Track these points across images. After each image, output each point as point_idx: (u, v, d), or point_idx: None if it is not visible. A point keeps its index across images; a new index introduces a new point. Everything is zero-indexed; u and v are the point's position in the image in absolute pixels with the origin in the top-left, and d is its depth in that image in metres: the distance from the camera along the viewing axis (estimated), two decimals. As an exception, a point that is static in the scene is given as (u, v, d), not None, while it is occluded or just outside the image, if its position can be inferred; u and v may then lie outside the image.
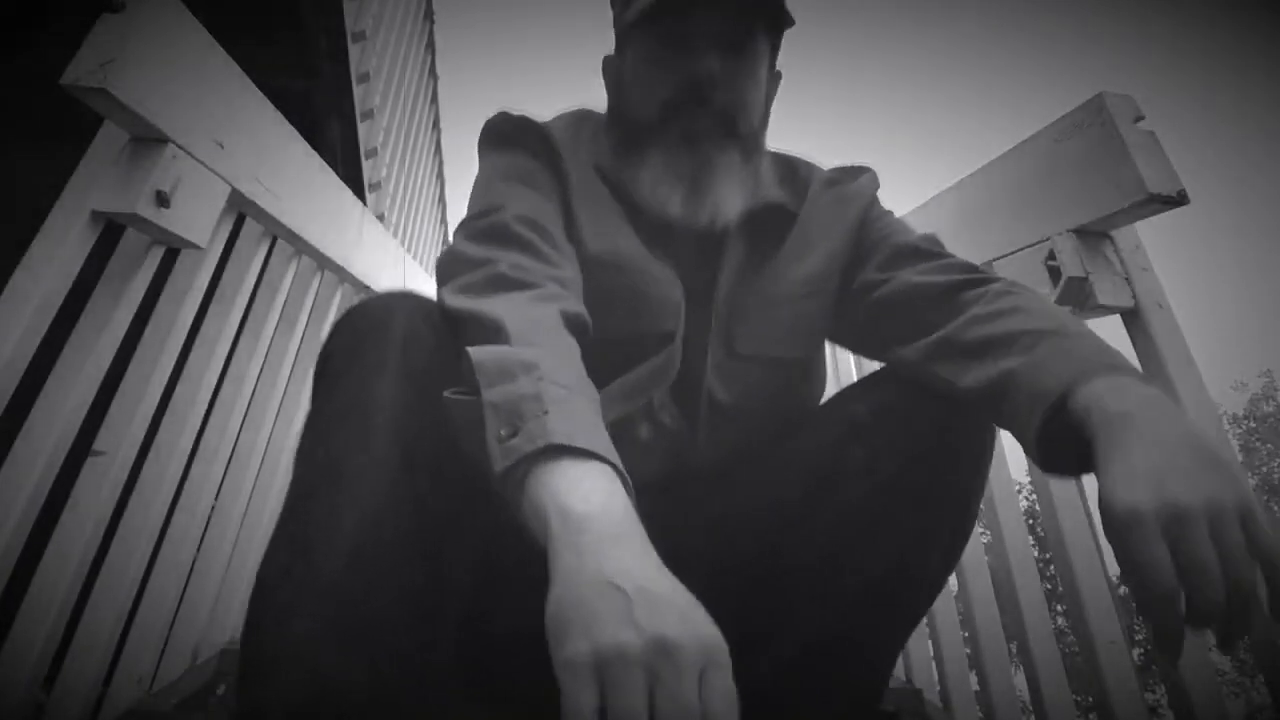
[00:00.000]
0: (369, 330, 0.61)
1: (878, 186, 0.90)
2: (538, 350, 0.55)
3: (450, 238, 0.73)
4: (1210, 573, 0.47)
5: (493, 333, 0.58)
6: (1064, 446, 0.58)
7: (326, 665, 0.50)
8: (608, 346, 0.73)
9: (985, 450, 0.72)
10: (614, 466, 0.50)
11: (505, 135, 0.81)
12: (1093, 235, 0.96)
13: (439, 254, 0.74)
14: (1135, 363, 0.98)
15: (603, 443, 0.51)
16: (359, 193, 3.01)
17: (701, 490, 0.80)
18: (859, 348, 0.87)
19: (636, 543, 0.46)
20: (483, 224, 0.73)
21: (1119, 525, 0.49)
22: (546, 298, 0.65)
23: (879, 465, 0.70)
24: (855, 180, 0.89)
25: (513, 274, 0.66)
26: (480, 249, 0.69)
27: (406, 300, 0.64)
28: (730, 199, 0.77)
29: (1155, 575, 0.47)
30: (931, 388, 0.70)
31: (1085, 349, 0.60)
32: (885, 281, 0.80)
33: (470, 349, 0.55)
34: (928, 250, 0.81)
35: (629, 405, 0.76)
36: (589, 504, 0.47)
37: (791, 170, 0.89)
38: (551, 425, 0.49)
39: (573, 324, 0.65)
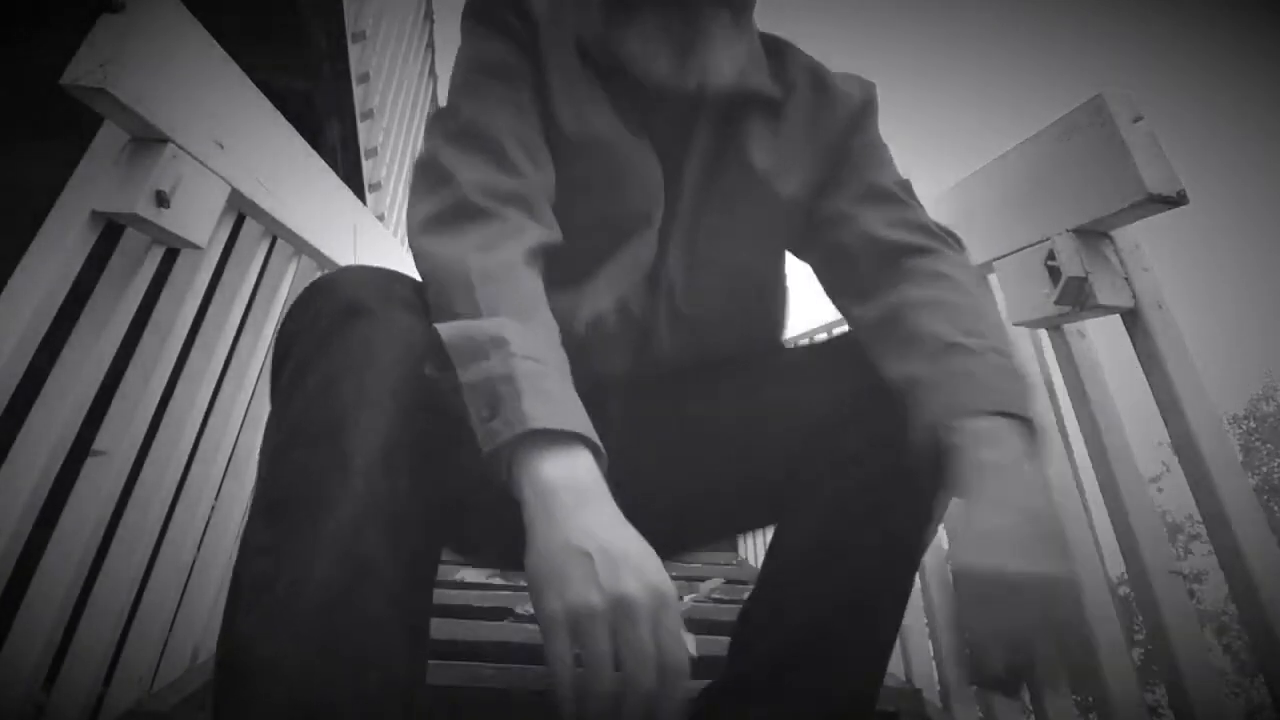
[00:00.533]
0: (335, 327, 0.59)
1: (873, 103, 0.87)
2: (504, 320, 0.59)
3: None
4: (1024, 638, 0.55)
5: (461, 293, 0.61)
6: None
7: (308, 685, 0.49)
8: (588, 231, 0.76)
9: None
10: (585, 439, 0.56)
11: (482, 13, 0.80)
12: (1093, 235, 0.96)
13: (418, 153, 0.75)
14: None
15: (575, 417, 0.56)
16: (359, 193, 3.01)
17: (678, 392, 0.82)
18: (816, 273, 0.89)
19: (601, 506, 0.54)
20: (454, 126, 0.74)
21: (967, 584, 0.58)
22: (510, 233, 0.67)
23: (873, 452, 0.71)
24: (849, 90, 0.86)
25: (478, 200, 0.68)
26: (450, 156, 0.71)
27: (375, 288, 0.62)
28: (718, 65, 0.76)
29: (989, 637, 0.56)
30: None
31: (983, 374, 0.65)
32: (849, 219, 0.81)
33: (440, 327, 0.58)
34: (896, 197, 0.82)
35: (611, 294, 0.77)
36: (560, 476, 0.54)
37: (780, 59, 0.87)
38: (526, 407, 0.54)
39: (538, 257, 0.68)
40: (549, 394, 0.56)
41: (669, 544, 0.64)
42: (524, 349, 0.57)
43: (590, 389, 0.62)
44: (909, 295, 0.72)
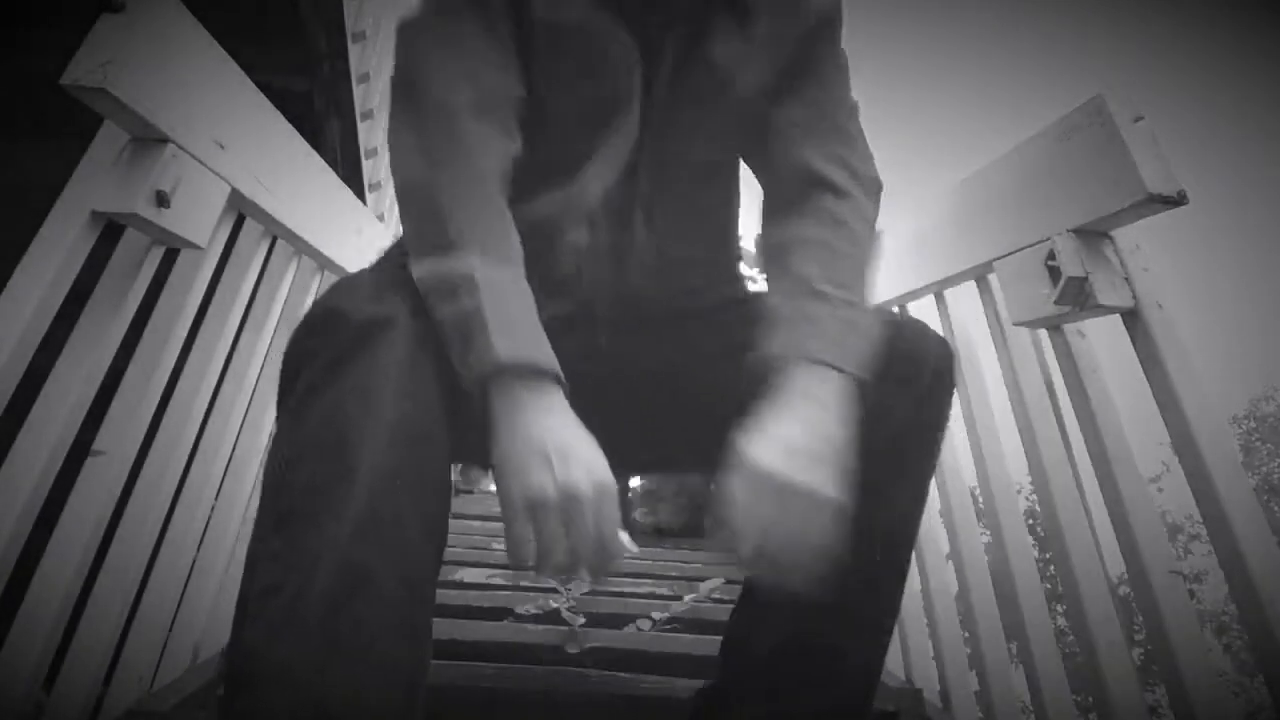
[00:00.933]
0: (346, 352, 0.61)
1: (839, 9, 0.88)
2: (472, 258, 0.65)
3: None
4: (779, 537, 0.62)
5: (433, 225, 0.68)
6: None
7: (313, 690, 0.51)
8: (570, 124, 0.80)
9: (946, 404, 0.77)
10: (547, 370, 0.64)
11: None
12: (1093, 235, 0.96)
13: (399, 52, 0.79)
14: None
15: (538, 349, 0.64)
16: (359, 193, 3.01)
17: (655, 337, 0.85)
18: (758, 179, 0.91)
19: (560, 416, 0.63)
20: (423, 39, 0.77)
21: (746, 475, 0.63)
22: (481, 152, 0.71)
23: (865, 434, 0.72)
24: None
25: (448, 120, 0.72)
26: (422, 70, 0.75)
27: (383, 307, 0.64)
28: None
29: (740, 524, 0.63)
30: None
31: (830, 326, 0.70)
32: (789, 138, 0.84)
33: (415, 272, 0.66)
34: (839, 129, 0.85)
35: (600, 186, 0.80)
36: (525, 394, 0.63)
37: None
38: (495, 342, 0.62)
39: (507, 173, 0.73)
40: (514, 329, 0.64)
41: (634, 463, 0.76)
42: (492, 284, 0.64)
43: (580, 318, 0.73)
44: (804, 232, 0.78)
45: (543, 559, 0.60)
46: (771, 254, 0.80)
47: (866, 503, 0.71)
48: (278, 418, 0.63)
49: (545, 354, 0.64)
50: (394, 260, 0.75)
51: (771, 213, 0.84)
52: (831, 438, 0.65)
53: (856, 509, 0.71)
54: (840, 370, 0.68)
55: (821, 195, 0.80)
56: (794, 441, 0.64)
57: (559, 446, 0.61)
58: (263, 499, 0.60)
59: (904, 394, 0.74)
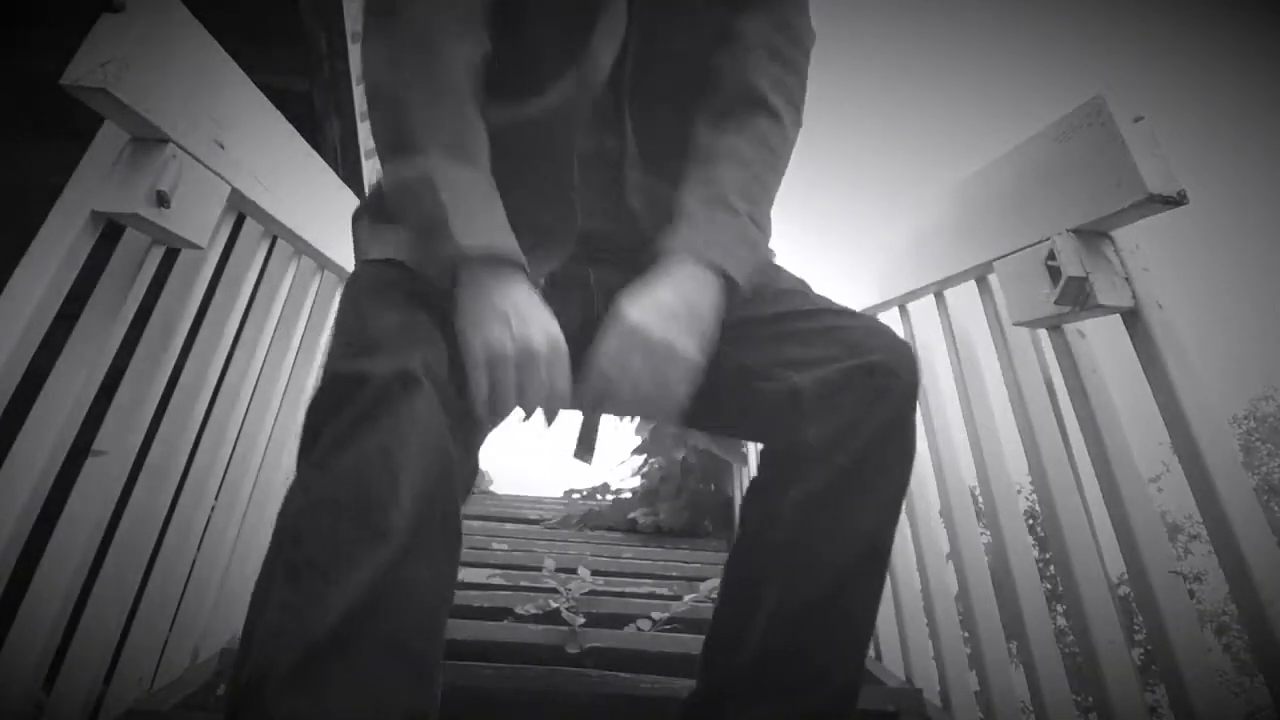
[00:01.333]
0: (373, 404, 0.62)
1: None
2: (435, 162, 0.71)
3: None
4: (633, 378, 0.72)
5: (398, 133, 0.73)
6: None
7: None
8: (551, 17, 0.82)
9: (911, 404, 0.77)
10: (508, 256, 0.70)
11: None
12: (1093, 235, 0.96)
13: None
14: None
15: (500, 237, 0.71)
16: (359, 193, 3.01)
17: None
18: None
19: (519, 287, 0.70)
20: None
21: (617, 324, 0.73)
22: (450, 54, 0.75)
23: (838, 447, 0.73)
24: None
25: (417, 27, 0.75)
26: None
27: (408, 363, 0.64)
28: None
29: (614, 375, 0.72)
30: None
31: (728, 234, 0.78)
32: (741, 55, 0.87)
33: (384, 184, 0.75)
34: (788, 59, 0.88)
35: (596, 77, 0.82)
36: (488, 274, 0.70)
37: None
38: (456, 234, 0.69)
39: (478, 74, 0.77)
40: (475, 220, 0.70)
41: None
42: (451, 184, 0.71)
43: (576, 257, 0.80)
44: (736, 147, 0.83)
45: (498, 405, 0.68)
46: (699, 155, 0.84)
47: (846, 506, 0.72)
48: (298, 467, 0.64)
49: (507, 242, 0.71)
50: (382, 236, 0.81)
51: (709, 116, 0.87)
52: (700, 314, 0.74)
53: (834, 513, 0.73)
54: (727, 276, 0.76)
55: (758, 117, 0.85)
56: (665, 306, 0.73)
57: (516, 308, 0.69)
58: (276, 544, 0.61)
59: (879, 405, 0.74)
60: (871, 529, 0.75)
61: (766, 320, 0.82)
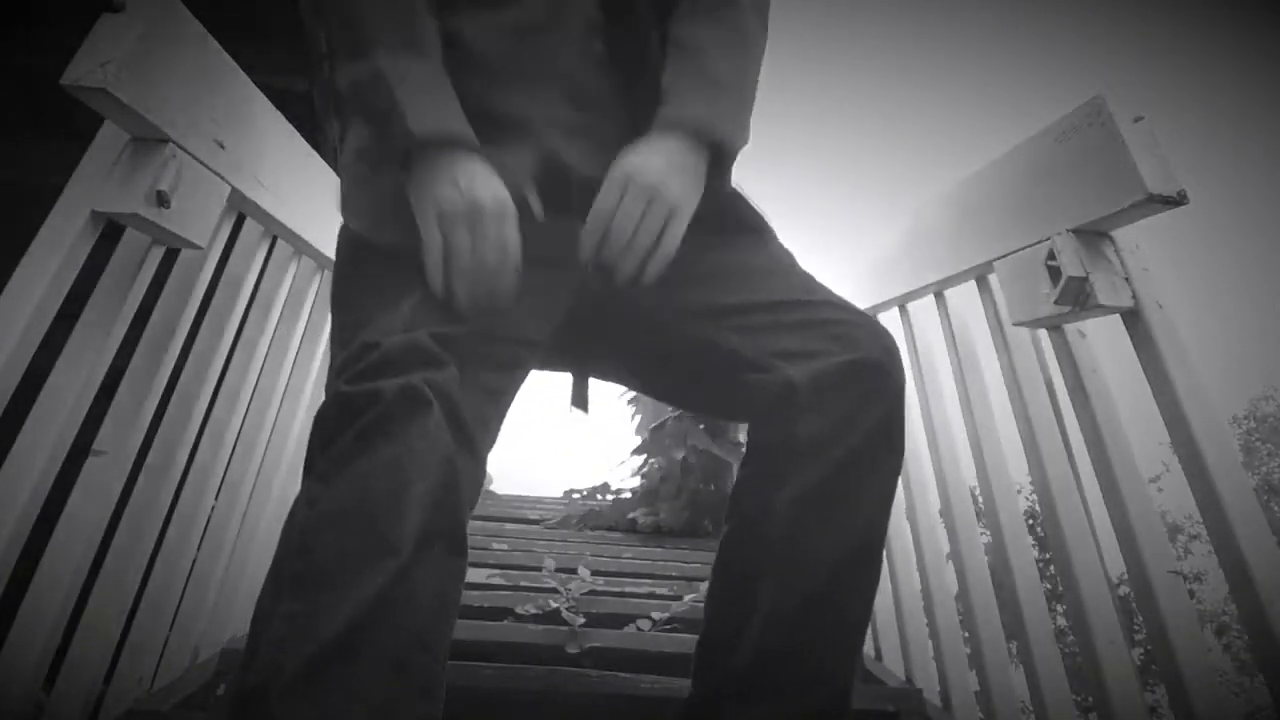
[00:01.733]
0: (382, 418, 0.62)
1: None
2: (382, 57, 0.74)
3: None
4: (627, 212, 0.75)
5: (350, 33, 0.76)
6: None
7: None
8: None
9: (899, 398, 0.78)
10: (460, 138, 0.73)
11: None
12: (1092, 235, 0.96)
13: None
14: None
15: (451, 120, 0.74)
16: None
17: None
18: None
19: (470, 158, 0.73)
20: None
21: (615, 167, 0.77)
22: None
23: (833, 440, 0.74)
24: None
25: None
26: None
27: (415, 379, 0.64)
28: None
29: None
30: None
31: (718, 108, 0.81)
32: None
33: (340, 86, 0.77)
34: None
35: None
36: (442, 151, 0.73)
37: None
38: (409, 119, 0.72)
39: None
40: (425, 107, 0.73)
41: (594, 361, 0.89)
42: (401, 77, 0.73)
43: (565, 212, 0.79)
44: (708, 35, 0.85)
45: (452, 263, 0.71)
46: (676, 44, 0.86)
47: (841, 501, 0.73)
48: (305, 480, 0.64)
49: (459, 126, 0.74)
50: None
51: (681, 12, 0.89)
52: (689, 168, 0.77)
53: (830, 508, 0.73)
54: (713, 145, 0.80)
55: (727, 8, 0.87)
56: (654, 163, 0.76)
57: (465, 173, 0.72)
58: (281, 555, 0.61)
59: (872, 402, 0.75)
60: (866, 523, 0.75)
61: (764, 307, 0.82)
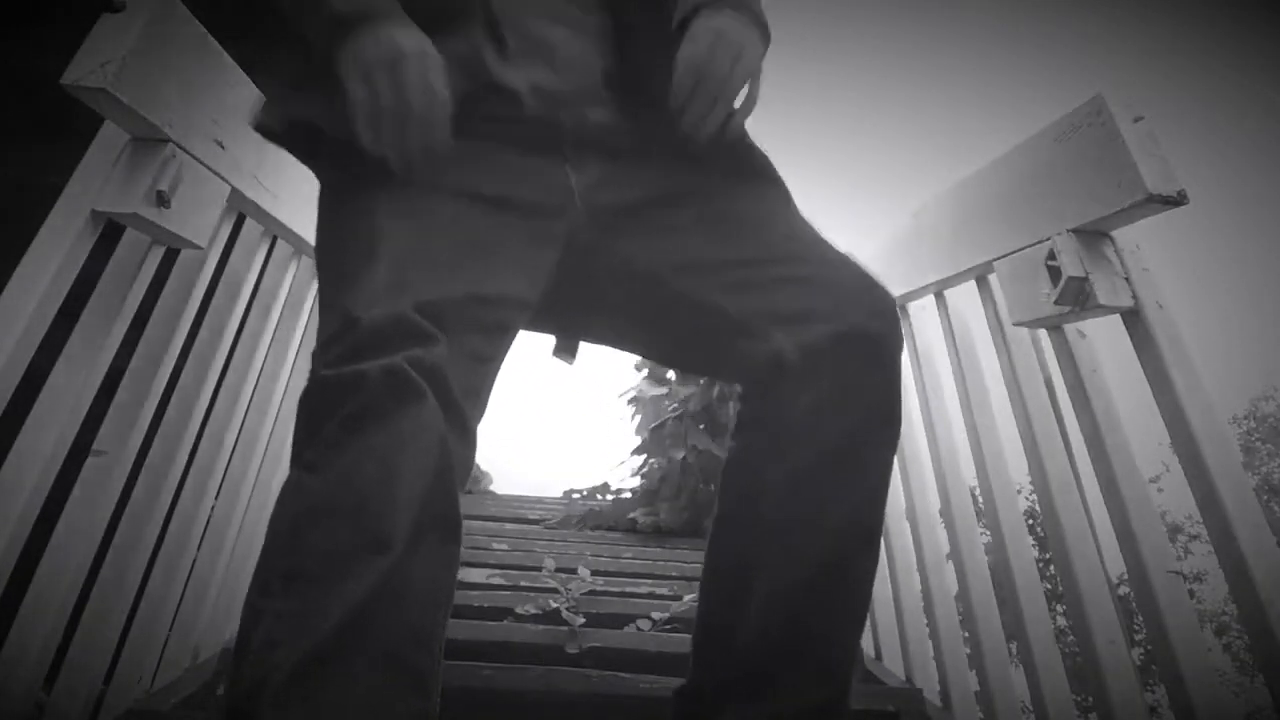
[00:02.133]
0: (370, 405, 0.61)
1: None
2: None
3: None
4: (719, 65, 0.76)
5: None
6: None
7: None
8: None
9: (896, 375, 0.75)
10: (383, 13, 0.73)
11: None
12: (1092, 235, 0.96)
13: None
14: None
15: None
16: (359, 193, 3.00)
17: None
18: None
19: (392, 22, 0.73)
20: None
21: (691, 33, 0.78)
22: None
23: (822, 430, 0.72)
24: None
25: None
26: None
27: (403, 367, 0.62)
28: None
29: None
30: None
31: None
32: None
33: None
34: None
35: None
36: (363, 31, 0.72)
37: None
38: (334, 2, 0.73)
39: None
40: None
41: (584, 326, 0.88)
42: None
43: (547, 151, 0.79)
44: None
45: (378, 107, 0.70)
46: None
47: (836, 480, 0.71)
48: (292, 469, 0.63)
49: (383, 3, 0.74)
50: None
51: None
52: (757, 39, 0.80)
53: (825, 487, 0.72)
54: (766, 26, 0.82)
55: None
56: (734, 22, 0.78)
57: (388, 27, 0.72)
58: (270, 549, 0.60)
59: (867, 374, 0.72)
60: (866, 502, 0.73)
61: (757, 263, 0.79)
